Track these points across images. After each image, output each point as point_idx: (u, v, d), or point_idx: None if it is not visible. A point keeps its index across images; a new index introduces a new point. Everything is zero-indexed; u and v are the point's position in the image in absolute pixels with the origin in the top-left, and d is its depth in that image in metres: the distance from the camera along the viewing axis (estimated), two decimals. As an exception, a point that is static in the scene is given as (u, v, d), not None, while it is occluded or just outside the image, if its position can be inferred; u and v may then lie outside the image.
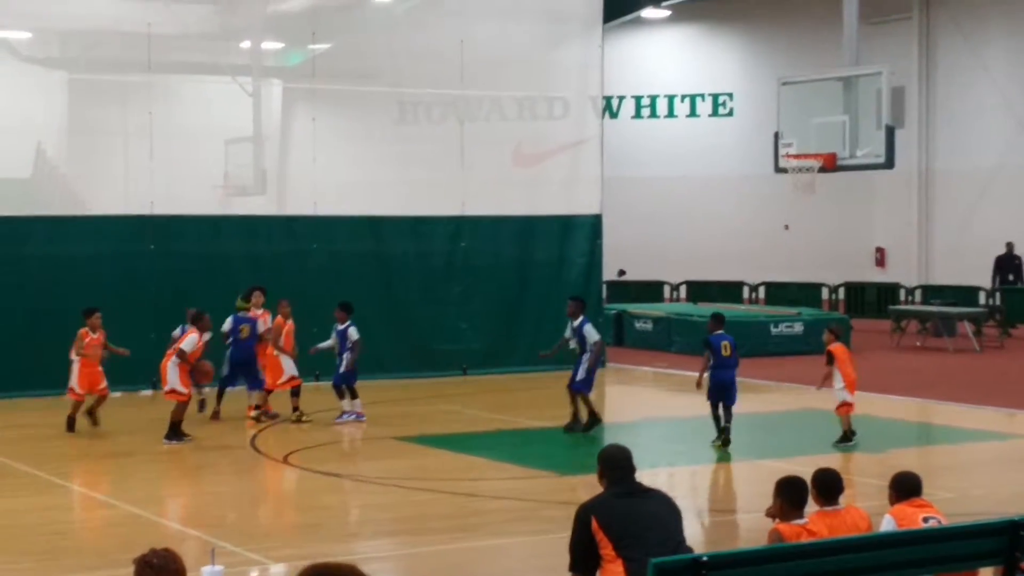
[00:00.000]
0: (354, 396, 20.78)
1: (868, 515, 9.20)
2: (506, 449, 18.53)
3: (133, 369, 24.02)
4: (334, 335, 20.85)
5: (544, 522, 14.28)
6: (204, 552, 7.73)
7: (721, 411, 18.60)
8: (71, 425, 19.56)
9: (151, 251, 24.56)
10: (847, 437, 18.29)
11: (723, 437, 18.48)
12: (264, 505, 16.03)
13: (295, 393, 20.76)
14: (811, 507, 8.99)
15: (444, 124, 26.95)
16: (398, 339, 26.10)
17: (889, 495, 9.58)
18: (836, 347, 18.70)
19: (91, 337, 20.04)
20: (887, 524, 9.28)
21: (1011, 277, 36.65)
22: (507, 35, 27.51)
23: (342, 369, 20.68)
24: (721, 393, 18.64)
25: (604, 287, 30.53)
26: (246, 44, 26.33)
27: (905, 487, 9.53)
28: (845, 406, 18.31)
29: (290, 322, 21.09)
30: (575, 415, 19.37)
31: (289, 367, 20.89)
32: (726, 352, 18.72)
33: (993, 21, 42.57)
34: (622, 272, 41.51)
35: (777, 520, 8.87)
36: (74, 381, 19.77)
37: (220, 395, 21.03)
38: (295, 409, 20.67)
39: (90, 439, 19.42)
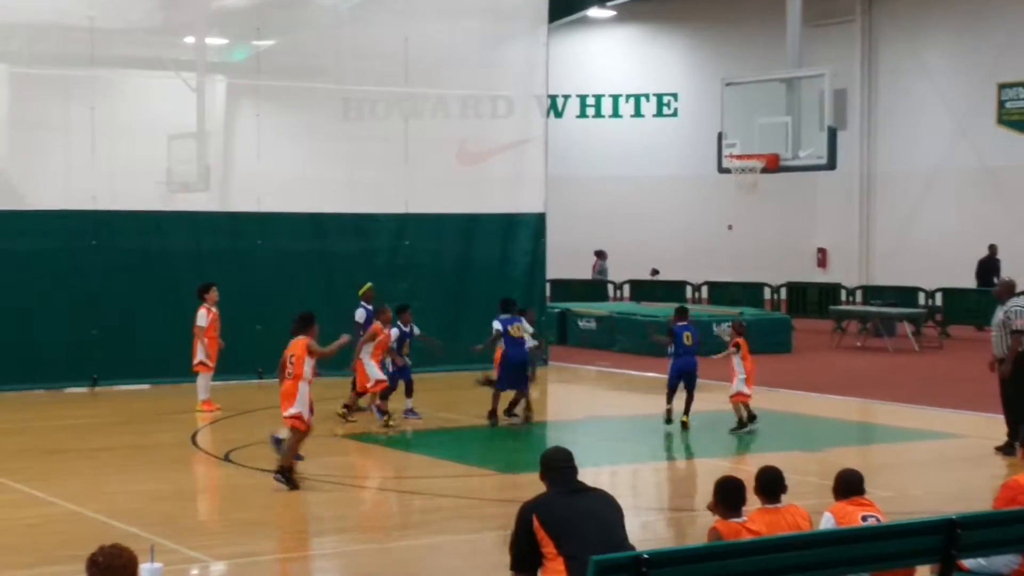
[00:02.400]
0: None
1: (808, 513, 9.28)
2: (448, 447, 18.54)
3: (74, 365, 23.94)
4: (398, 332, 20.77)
5: (486, 520, 14.30)
6: (143, 549, 7.69)
7: (684, 397, 19.83)
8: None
9: (92, 246, 24.39)
10: (743, 424, 19.58)
11: (685, 420, 19.70)
12: (205, 503, 15.96)
13: (384, 396, 20.34)
14: (754, 503, 9.05)
15: (388, 122, 26.89)
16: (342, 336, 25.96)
17: (833, 493, 9.67)
18: (742, 340, 20.08)
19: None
20: (826, 521, 9.37)
21: (995, 280, 36.82)
22: (452, 33, 27.50)
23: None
24: (685, 378, 19.81)
25: (548, 286, 30.59)
26: (190, 39, 26.16)
27: (847, 485, 9.62)
28: (743, 396, 19.66)
29: (389, 330, 20.56)
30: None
31: (374, 370, 20.29)
32: (688, 341, 19.89)
33: (934, 25, 43.00)
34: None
35: (717, 518, 8.93)
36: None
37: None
38: (384, 413, 20.25)
39: (25, 436, 19.30)
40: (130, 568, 6.46)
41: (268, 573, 12.20)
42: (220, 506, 15.90)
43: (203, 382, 21.48)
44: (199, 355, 21.34)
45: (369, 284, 21.59)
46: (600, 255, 42.37)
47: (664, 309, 32.40)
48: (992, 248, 37.13)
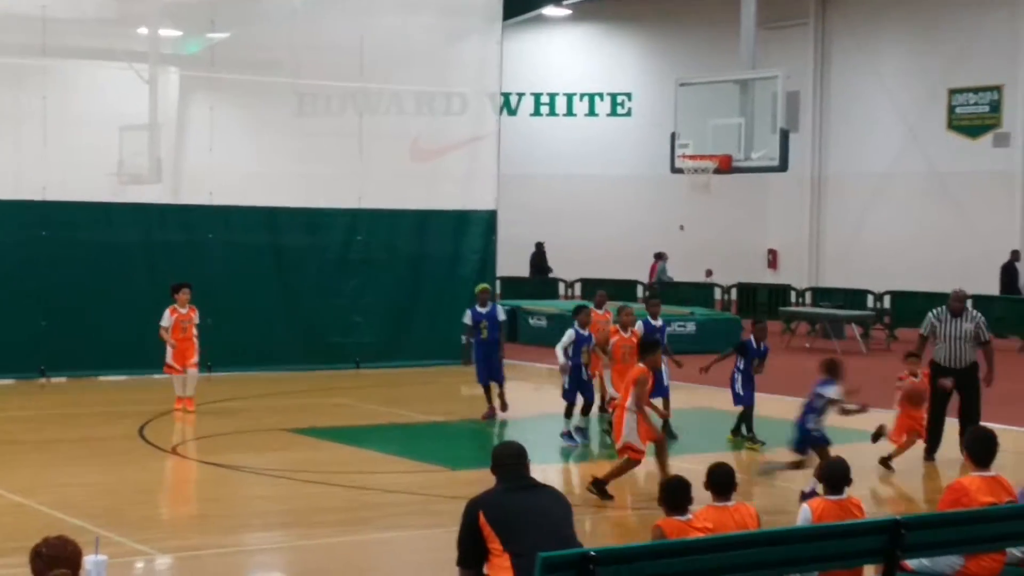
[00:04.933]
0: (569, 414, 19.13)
1: (756, 512, 9.35)
2: (398, 443, 18.53)
3: (22, 356, 23.78)
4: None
5: (435, 516, 14.30)
6: (88, 542, 7.65)
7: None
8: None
9: (43, 237, 24.23)
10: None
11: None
12: (151, 495, 15.86)
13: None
14: (705, 500, 9.11)
15: (343, 117, 26.83)
16: (292, 331, 26.01)
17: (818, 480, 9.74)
18: None
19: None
20: (804, 514, 9.43)
21: (1021, 284, 37.27)
22: (407, 29, 27.47)
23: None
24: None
25: (499, 283, 30.64)
26: (143, 31, 26.02)
27: (831, 477, 9.65)
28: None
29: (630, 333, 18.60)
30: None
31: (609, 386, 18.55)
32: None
33: (887, 29, 43.29)
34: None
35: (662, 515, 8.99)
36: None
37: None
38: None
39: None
40: (74, 560, 6.45)
41: (214, 567, 12.17)
42: (166, 499, 15.84)
43: (175, 381, 20.90)
44: (167, 356, 20.78)
45: (484, 285, 21.35)
46: (660, 256, 42.50)
47: (613, 307, 32.45)
48: (1014, 254, 37.40)
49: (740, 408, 19.03)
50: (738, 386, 18.98)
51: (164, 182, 25.34)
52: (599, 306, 20.30)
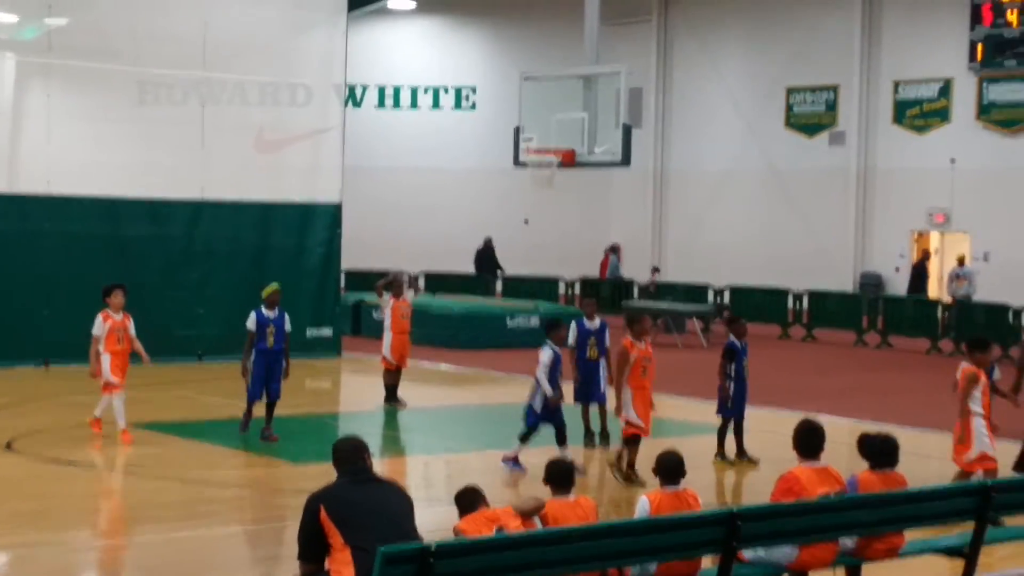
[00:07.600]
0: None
1: (596, 505, 9.47)
2: (240, 437, 18.36)
3: None
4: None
5: (276, 510, 14.25)
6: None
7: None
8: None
9: None
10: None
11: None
12: (-14, 492, 15.56)
13: (630, 442, 15.95)
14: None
15: (185, 107, 26.50)
16: (133, 324, 25.58)
17: (655, 473, 9.90)
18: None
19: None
20: (642, 506, 9.57)
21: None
22: (251, 19, 27.23)
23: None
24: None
25: (343, 276, 30.54)
26: (-22, 15, 25.46)
27: (666, 469, 9.81)
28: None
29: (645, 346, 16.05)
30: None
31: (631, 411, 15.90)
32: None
33: (727, 28, 44.03)
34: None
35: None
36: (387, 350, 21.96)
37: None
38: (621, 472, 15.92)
39: None
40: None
41: (50, 564, 11.96)
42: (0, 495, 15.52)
43: (115, 403, 17.56)
44: (103, 373, 17.51)
45: (275, 285, 18.45)
46: (613, 250, 42.49)
47: (459, 302, 32.57)
48: (924, 253, 38.25)
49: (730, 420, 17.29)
50: (731, 394, 17.26)
51: (-1, 171, 24.80)
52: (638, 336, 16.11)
